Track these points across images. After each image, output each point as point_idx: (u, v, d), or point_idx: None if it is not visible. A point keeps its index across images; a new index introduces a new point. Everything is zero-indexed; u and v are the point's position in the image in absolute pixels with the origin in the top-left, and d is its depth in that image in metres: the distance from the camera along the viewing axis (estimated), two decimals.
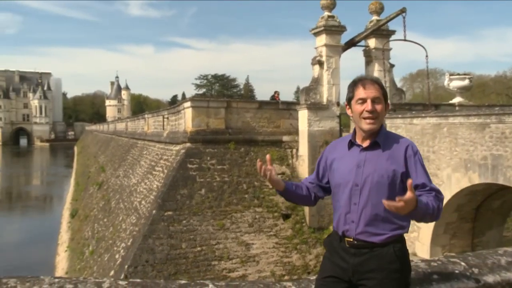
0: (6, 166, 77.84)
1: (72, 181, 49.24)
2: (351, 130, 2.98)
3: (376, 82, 2.69)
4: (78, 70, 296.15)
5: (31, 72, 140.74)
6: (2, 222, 34.91)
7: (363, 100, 2.64)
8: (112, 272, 14.25)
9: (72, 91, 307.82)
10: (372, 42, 17.32)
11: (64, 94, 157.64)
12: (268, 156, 2.80)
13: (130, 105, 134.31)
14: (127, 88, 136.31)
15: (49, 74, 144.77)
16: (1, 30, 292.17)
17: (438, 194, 2.53)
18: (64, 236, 28.02)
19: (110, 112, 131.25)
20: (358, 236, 2.58)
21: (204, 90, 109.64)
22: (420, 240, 11.23)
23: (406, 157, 2.59)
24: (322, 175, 2.88)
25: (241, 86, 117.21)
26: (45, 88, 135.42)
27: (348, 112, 2.78)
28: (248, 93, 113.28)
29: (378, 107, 2.62)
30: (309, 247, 14.85)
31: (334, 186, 2.76)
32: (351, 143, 2.73)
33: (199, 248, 13.83)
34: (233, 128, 16.90)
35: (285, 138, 17.15)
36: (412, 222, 2.64)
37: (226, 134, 16.60)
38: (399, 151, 2.61)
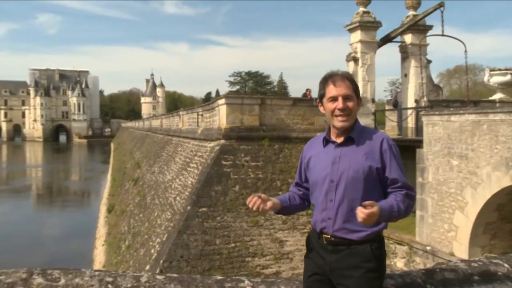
0: (47, 162, 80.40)
1: (109, 176, 50.34)
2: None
3: (347, 77, 2.65)
4: (115, 68, 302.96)
5: (70, 71, 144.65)
6: (44, 216, 36.09)
7: (334, 98, 2.61)
8: (147, 267, 14.50)
9: (109, 88, 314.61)
10: (408, 38, 16.99)
11: (101, 92, 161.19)
12: (263, 196, 2.65)
13: (164, 102, 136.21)
14: (162, 85, 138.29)
15: (87, 72, 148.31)
16: (43, 30, 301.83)
17: (408, 191, 2.51)
18: (101, 231, 28.68)
19: (145, 109, 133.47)
20: (336, 233, 2.56)
21: (237, 87, 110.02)
22: (458, 240, 10.97)
23: (381, 151, 2.56)
24: (304, 176, 2.85)
25: (275, 83, 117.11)
26: (83, 86, 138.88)
27: (321, 109, 2.75)
28: (281, 90, 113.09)
29: (350, 104, 2.60)
30: None
31: (311, 184, 2.75)
32: (327, 140, 2.71)
33: (233, 245, 13.92)
34: (267, 125, 16.89)
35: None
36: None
37: (260, 131, 16.61)
38: (374, 146, 2.58)
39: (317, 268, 2.63)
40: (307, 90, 21.47)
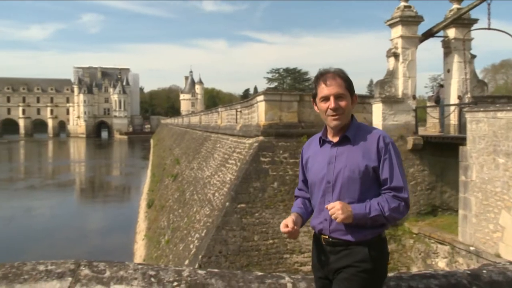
0: (90, 157, 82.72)
1: (149, 172, 51.28)
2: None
3: (339, 75, 2.57)
4: (155, 65, 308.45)
5: (111, 68, 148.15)
6: (87, 210, 37.23)
7: (326, 98, 2.55)
8: (186, 262, 14.70)
9: (149, 85, 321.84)
10: (451, 32, 16.52)
11: (141, 89, 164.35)
12: (291, 224, 2.57)
13: (203, 99, 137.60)
14: (200, 82, 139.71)
15: (127, 69, 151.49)
16: (86, 29, 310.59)
17: (396, 193, 2.44)
18: (141, 225, 29.27)
19: (184, 105, 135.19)
20: (333, 234, 2.53)
21: (275, 83, 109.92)
22: (504, 241, 10.61)
23: (378, 150, 2.50)
24: (305, 177, 2.80)
25: (313, 80, 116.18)
26: (124, 83, 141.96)
27: (315, 108, 2.69)
28: None
29: (342, 103, 2.53)
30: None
31: (310, 185, 2.70)
32: (323, 140, 2.66)
33: (271, 241, 13.93)
34: (305, 121, 16.80)
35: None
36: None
37: (299, 127, 16.54)
38: (370, 144, 2.52)
39: (320, 270, 2.62)
40: None
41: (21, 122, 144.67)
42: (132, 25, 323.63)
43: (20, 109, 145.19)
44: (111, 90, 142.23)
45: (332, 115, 2.53)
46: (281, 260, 13.65)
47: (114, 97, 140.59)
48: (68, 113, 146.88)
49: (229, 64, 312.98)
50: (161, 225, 23.98)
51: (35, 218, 32.47)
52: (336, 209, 2.35)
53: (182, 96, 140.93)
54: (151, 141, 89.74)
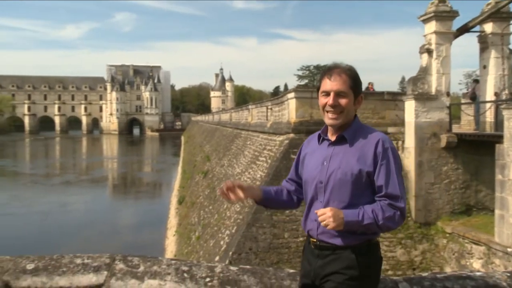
0: (122, 154, 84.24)
1: (179, 169, 51.83)
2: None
3: (345, 72, 2.44)
4: (185, 63, 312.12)
5: (143, 66, 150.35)
6: (119, 206, 37.94)
7: (327, 93, 2.44)
8: (217, 258, 14.81)
9: (180, 83, 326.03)
10: (488, 27, 16.08)
11: (172, 86, 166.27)
12: (236, 182, 2.56)
13: (233, 96, 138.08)
14: (230, 79, 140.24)
15: (159, 67, 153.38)
16: (119, 28, 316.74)
17: (392, 202, 2.30)
18: (172, 221, 29.61)
19: (215, 103, 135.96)
20: (320, 236, 2.43)
21: (306, 81, 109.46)
22: None
23: (375, 154, 2.36)
24: (298, 171, 2.73)
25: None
26: (156, 80, 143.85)
27: (319, 102, 2.58)
28: None
29: (343, 101, 2.41)
30: (415, 242, 14.28)
31: (304, 182, 2.60)
32: (322, 138, 2.56)
33: (301, 239, 13.88)
34: None
35: (390, 129, 16.58)
36: None
37: None
38: (368, 147, 2.38)
39: (305, 275, 2.52)
40: (369, 83, 21.09)
41: (57, 119, 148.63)
42: (164, 23, 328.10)
43: (56, 106, 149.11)
44: (142, 87, 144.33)
45: (330, 112, 2.43)
46: None
47: (146, 94, 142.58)
48: (101, 110, 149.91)
49: (259, 61, 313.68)
50: (192, 221, 24.21)
51: (70, 213, 33.31)
52: (327, 216, 2.24)
53: (212, 94, 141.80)
54: (182, 138, 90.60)
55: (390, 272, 13.29)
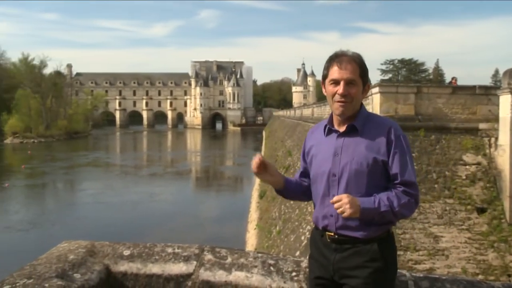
0: (205, 148, 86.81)
1: None
2: None
3: (354, 60, 2.36)
4: (267, 58, 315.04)
5: (226, 62, 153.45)
6: (202, 198, 39.14)
7: (336, 82, 2.34)
8: (297, 253, 14.83)
9: (261, 78, 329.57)
10: None
11: (254, 81, 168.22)
12: (266, 161, 2.57)
13: (315, 91, 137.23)
14: (312, 74, 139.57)
15: (241, 63, 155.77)
16: (203, 25, 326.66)
17: (407, 189, 2.27)
18: (253, 215, 30.04)
19: (296, 98, 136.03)
20: (339, 230, 2.34)
21: (390, 75, 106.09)
22: None
23: (388, 142, 2.31)
24: (306, 167, 2.62)
25: (430, 71, 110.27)
26: (238, 76, 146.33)
27: (324, 91, 2.46)
28: (437, 78, 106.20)
29: (353, 90, 2.34)
30: (509, 246, 13.39)
31: (312, 176, 2.51)
32: (329, 129, 2.45)
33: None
34: (423, 114, 16.03)
35: (482, 125, 15.65)
36: None
37: (416, 120, 15.82)
38: (380, 136, 2.33)
39: (320, 270, 2.43)
40: (453, 78, 20.20)
41: (145, 114, 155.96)
42: (247, 19, 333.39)
43: (144, 101, 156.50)
44: (225, 83, 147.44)
45: (339, 101, 2.36)
46: None
47: (228, 89, 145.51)
48: (185, 105, 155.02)
49: None
50: (273, 215, 24.42)
51: (157, 203, 34.85)
52: (343, 202, 2.19)
53: (294, 89, 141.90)
54: (263, 132, 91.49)
55: (481, 276, 12.60)
